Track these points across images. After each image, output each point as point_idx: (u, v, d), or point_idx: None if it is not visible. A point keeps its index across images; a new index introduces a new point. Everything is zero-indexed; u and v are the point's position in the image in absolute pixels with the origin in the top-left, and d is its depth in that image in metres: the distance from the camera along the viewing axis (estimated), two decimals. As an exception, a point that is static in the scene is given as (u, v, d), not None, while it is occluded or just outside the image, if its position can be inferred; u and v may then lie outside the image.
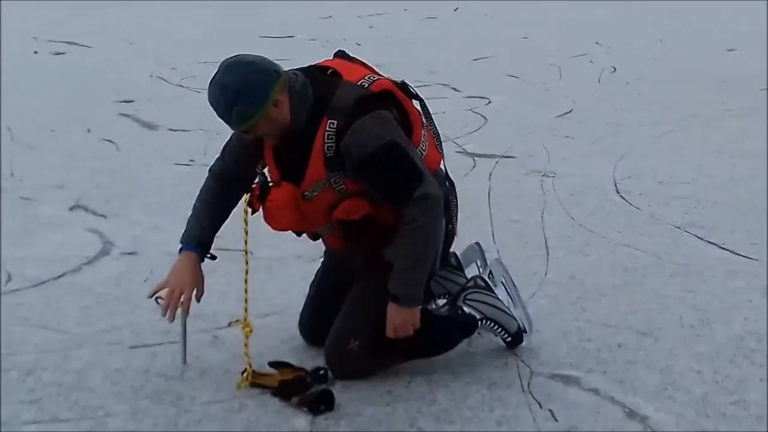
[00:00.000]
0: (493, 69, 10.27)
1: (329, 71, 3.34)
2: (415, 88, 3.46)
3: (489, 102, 8.54)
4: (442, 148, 3.56)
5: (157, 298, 3.48)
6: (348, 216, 3.33)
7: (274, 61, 3.24)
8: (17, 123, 7.63)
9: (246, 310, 3.45)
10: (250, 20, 13.83)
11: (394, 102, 3.31)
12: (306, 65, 3.40)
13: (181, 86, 9.26)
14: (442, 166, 3.54)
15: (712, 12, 13.84)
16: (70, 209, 5.54)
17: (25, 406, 3.32)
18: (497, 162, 6.49)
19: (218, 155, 3.56)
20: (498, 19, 14.19)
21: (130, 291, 4.31)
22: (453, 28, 13.21)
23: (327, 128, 3.18)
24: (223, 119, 3.20)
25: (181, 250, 3.51)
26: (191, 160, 6.55)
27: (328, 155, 3.21)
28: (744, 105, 8.26)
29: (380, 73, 3.40)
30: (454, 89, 9.14)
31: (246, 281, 3.46)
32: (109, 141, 7.15)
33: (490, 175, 6.20)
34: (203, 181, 3.57)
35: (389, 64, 9.45)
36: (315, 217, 3.37)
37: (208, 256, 3.52)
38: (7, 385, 3.46)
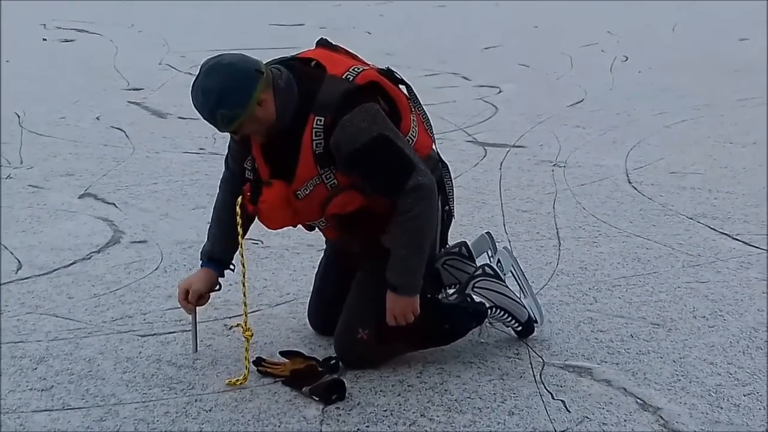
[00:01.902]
0: (504, 58, 10.25)
1: (312, 63, 3.31)
2: (401, 74, 3.43)
3: (500, 91, 8.52)
4: (432, 131, 3.54)
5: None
6: (342, 210, 3.32)
7: (255, 59, 3.20)
8: (26, 110, 7.63)
9: (245, 314, 3.43)
10: (259, 8, 13.81)
11: (380, 92, 3.28)
12: (288, 57, 3.37)
13: (191, 74, 9.18)
14: (434, 149, 3.52)
15: (725, 0, 13.77)
16: (80, 197, 5.53)
17: (36, 394, 3.31)
18: (508, 151, 6.47)
19: (224, 170, 3.57)
20: (508, 7, 14.15)
21: (140, 279, 4.30)
22: (463, 16, 13.18)
23: (314, 125, 3.16)
24: (208, 122, 3.19)
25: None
26: (200, 149, 6.54)
27: (317, 152, 3.19)
28: (757, 95, 8.22)
29: (364, 61, 3.37)
30: (465, 78, 9.12)
31: (244, 284, 3.44)
32: (119, 129, 7.15)
33: (501, 164, 6.18)
34: (208, 170, 3.56)
35: (399, 53, 9.45)
36: (309, 213, 3.36)
37: (231, 269, 3.52)
38: (18, 373, 3.46)
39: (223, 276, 3.52)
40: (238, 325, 3.46)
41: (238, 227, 3.35)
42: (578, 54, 10.34)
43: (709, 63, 9.79)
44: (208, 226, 3.56)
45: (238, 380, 3.37)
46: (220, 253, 3.49)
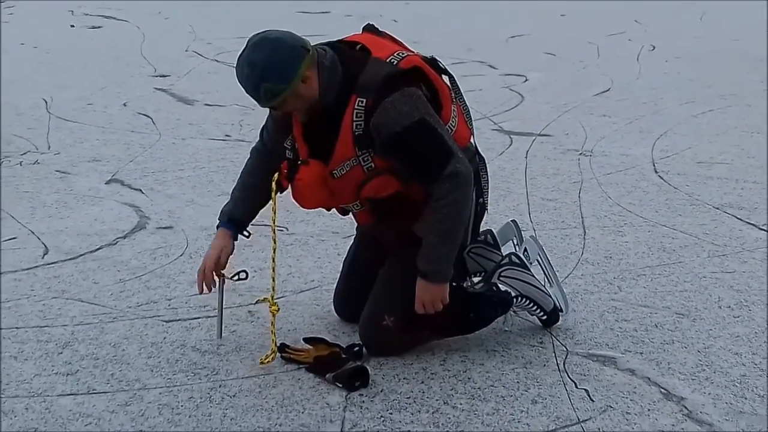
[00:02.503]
0: (530, 46, 10.21)
1: (358, 47, 3.32)
2: (445, 64, 3.42)
3: (526, 80, 8.49)
4: (471, 124, 3.54)
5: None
6: (377, 193, 3.32)
7: (302, 37, 3.22)
8: (54, 96, 7.67)
9: (273, 288, 3.44)
10: (286, -5, 13.81)
11: (423, 78, 3.28)
12: (334, 40, 3.38)
13: (217, 61, 9.27)
14: (472, 141, 3.51)
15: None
16: (107, 183, 5.56)
17: (61, 378, 3.34)
18: (534, 140, 6.45)
19: (258, 138, 3.57)
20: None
21: (165, 265, 4.32)
22: (490, 4, 13.13)
23: (356, 106, 3.17)
24: (251, 96, 3.19)
25: (218, 227, 3.53)
26: (227, 135, 6.56)
27: (356, 133, 3.19)
28: (784, 85, 8.16)
29: (409, 48, 3.37)
30: (491, 66, 9.10)
31: (273, 260, 3.44)
32: (145, 115, 7.18)
33: (527, 153, 6.16)
34: (234, 157, 3.57)
35: (426, 41, 9.43)
36: (344, 194, 3.37)
37: (245, 234, 3.53)
38: (44, 357, 3.48)
39: (236, 239, 3.52)
40: (264, 299, 3.47)
41: (273, 203, 3.36)
42: (605, 43, 10.28)
43: (737, 53, 9.72)
44: (234, 189, 3.55)
45: (267, 357, 3.39)
46: (240, 214, 3.50)
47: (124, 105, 7.52)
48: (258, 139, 3.57)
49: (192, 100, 7.75)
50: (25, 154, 6.12)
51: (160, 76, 8.67)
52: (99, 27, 11.55)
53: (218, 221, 3.54)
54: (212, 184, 5.48)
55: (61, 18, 11.93)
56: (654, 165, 5.87)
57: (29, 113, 7.16)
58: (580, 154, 6.14)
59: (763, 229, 4.76)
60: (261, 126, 3.55)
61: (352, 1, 12.90)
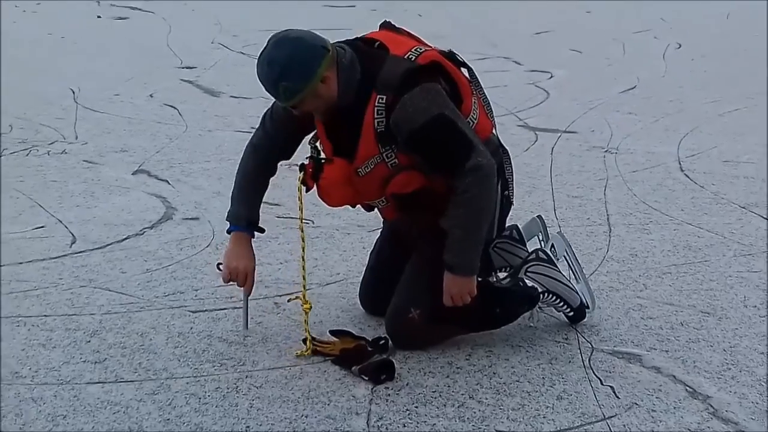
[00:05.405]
0: (556, 43, 10.19)
1: (376, 44, 3.32)
2: (463, 57, 3.42)
3: (551, 76, 8.48)
4: (492, 116, 3.54)
5: (218, 264, 3.53)
6: (402, 189, 3.33)
7: (323, 36, 3.23)
8: (81, 87, 7.71)
9: (304, 287, 3.46)
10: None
11: (442, 73, 3.28)
12: (352, 38, 3.39)
13: (243, 53, 9.29)
14: (494, 133, 3.51)
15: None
16: (133, 174, 5.59)
17: (89, 366, 3.36)
18: (559, 137, 6.45)
19: (258, 127, 3.56)
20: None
21: (192, 256, 4.35)
22: (515, 0, 13.11)
23: (376, 104, 3.18)
24: (270, 94, 3.21)
25: (230, 230, 3.54)
26: (252, 127, 6.53)
27: (378, 130, 3.20)
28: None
29: (427, 43, 3.38)
30: (516, 62, 9.09)
31: (303, 258, 3.46)
32: (172, 107, 7.21)
33: (552, 149, 6.16)
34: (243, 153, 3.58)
35: (451, 36, 9.44)
36: (369, 191, 3.38)
37: (261, 231, 3.57)
38: (72, 345, 3.51)
39: (254, 237, 3.55)
40: (297, 297, 3.49)
41: (300, 203, 3.38)
42: (631, 40, 10.25)
43: (763, 51, 9.67)
44: (238, 188, 3.56)
45: (302, 352, 3.42)
46: (254, 216, 3.53)
47: (151, 96, 7.56)
48: (257, 129, 3.54)
49: (218, 92, 7.78)
50: (53, 143, 6.16)
51: (187, 68, 8.71)
52: (125, 18, 11.61)
53: (234, 226, 3.54)
54: (238, 176, 5.49)
55: (88, 9, 11.98)
56: (680, 163, 5.86)
57: (57, 103, 7.20)
58: (606, 151, 6.13)
59: (790, 229, 4.75)
60: (264, 111, 3.54)
61: (377, -5, 12.92)
